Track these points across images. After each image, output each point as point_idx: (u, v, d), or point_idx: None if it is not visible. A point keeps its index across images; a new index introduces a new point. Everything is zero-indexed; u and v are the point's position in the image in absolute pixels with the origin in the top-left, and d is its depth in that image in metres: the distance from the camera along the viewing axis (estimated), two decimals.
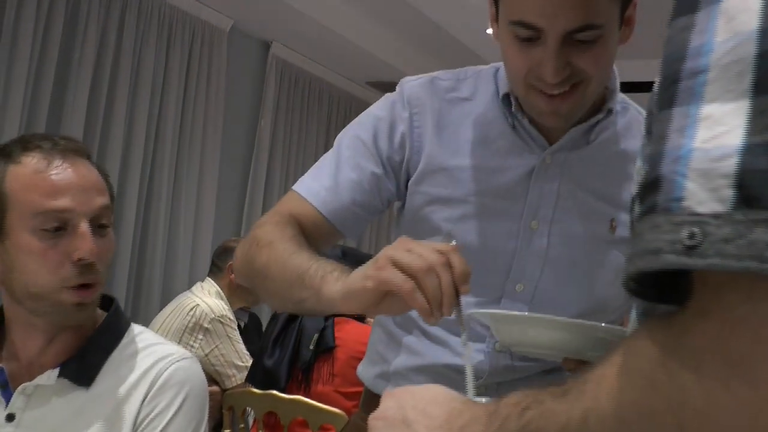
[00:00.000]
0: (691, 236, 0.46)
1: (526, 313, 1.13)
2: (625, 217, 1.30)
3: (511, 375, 1.32)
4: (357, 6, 5.01)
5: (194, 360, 1.40)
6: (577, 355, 1.08)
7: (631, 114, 1.36)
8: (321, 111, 5.73)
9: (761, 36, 0.46)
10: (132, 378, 1.33)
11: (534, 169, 1.30)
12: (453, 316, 0.98)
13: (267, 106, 5.24)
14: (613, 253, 1.31)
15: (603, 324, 1.10)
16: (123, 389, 1.32)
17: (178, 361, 1.36)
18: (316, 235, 1.31)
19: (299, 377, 2.74)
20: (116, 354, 1.35)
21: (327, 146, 5.48)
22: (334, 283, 1.05)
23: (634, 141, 1.32)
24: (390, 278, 0.96)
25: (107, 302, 1.42)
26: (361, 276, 1.01)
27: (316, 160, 1.43)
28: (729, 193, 0.45)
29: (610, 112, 1.31)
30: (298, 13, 4.77)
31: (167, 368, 1.34)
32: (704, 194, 0.46)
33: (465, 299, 1.29)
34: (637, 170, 0.67)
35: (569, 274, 1.31)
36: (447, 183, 1.32)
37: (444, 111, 1.34)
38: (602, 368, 0.56)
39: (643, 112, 1.39)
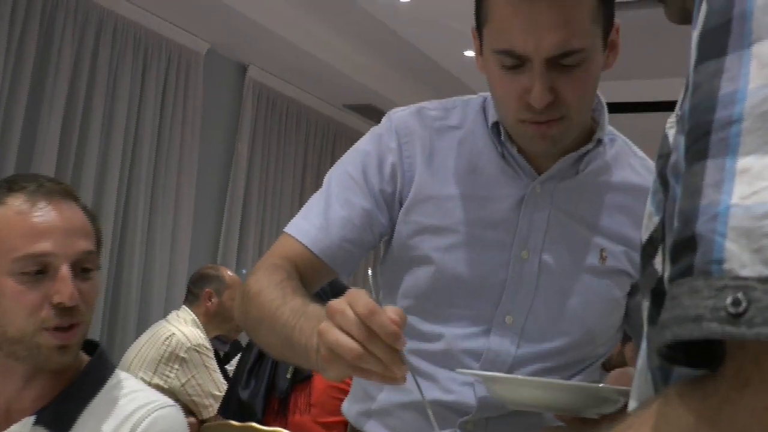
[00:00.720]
0: (736, 303, 0.42)
1: (520, 377, 1.10)
2: (614, 248, 1.30)
3: (501, 410, 1.29)
4: (334, 29, 5.01)
5: (176, 408, 1.35)
6: (573, 413, 1.04)
7: (618, 145, 1.36)
8: (299, 134, 5.70)
9: None
10: (110, 426, 1.27)
11: (524, 199, 1.29)
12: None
13: (244, 129, 5.21)
14: (604, 284, 1.30)
15: (601, 384, 1.07)
16: None
17: (159, 409, 1.31)
18: (310, 274, 1.29)
19: (276, 407, 2.69)
20: (96, 401, 1.30)
21: (305, 169, 5.52)
22: (315, 355, 1.01)
23: (623, 172, 1.33)
24: (339, 375, 0.95)
25: (91, 347, 1.37)
26: (320, 364, 0.98)
27: (293, 184, 1.41)
28: None
29: (599, 142, 1.31)
30: (275, 36, 4.75)
31: (147, 416, 1.28)
32: (747, 256, 0.42)
33: (454, 331, 1.29)
34: (648, 215, 0.63)
35: (560, 305, 1.29)
36: (436, 212, 1.31)
37: (433, 140, 1.33)
38: None
39: (630, 144, 1.40)
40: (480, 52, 1.26)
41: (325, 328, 0.93)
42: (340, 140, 5.95)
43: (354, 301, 0.92)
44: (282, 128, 5.55)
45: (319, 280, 1.33)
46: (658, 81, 4.78)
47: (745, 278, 0.42)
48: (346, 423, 1.49)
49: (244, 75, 5.25)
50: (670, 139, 0.57)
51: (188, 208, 4.74)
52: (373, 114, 5.59)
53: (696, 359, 0.48)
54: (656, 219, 0.61)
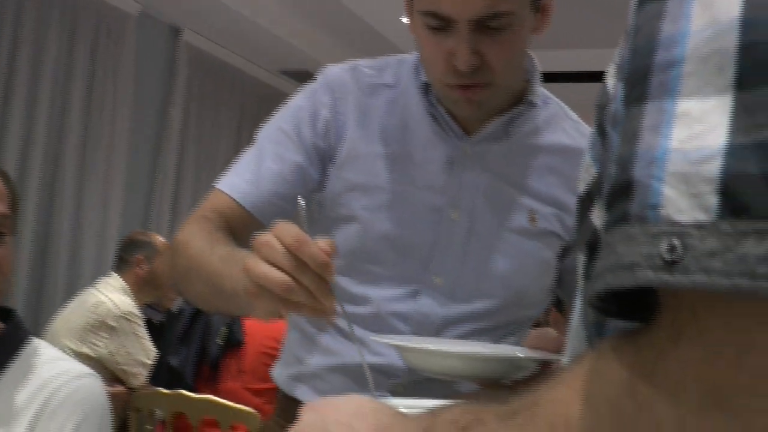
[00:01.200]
0: (671, 249, 0.40)
1: (432, 347, 1.06)
2: (545, 210, 1.30)
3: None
4: None
5: (95, 378, 1.32)
6: (487, 381, 1.02)
7: (551, 108, 1.36)
8: (233, 100, 5.61)
9: (744, 26, 0.41)
10: (25, 396, 1.24)
11: (453, 160, 1.29)
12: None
13: (177, 94, 5.10)
14: (534, 246, 1.31)
15: (513, 350, 1.05)
16: (15, 408, 1.23)
17: (77, 378, 1.28)
18: (240, 228, 1.27)
19: (206, 374, 2.66)
20: (11, 369, 1.27)
21: (240, 136, 5.43)
22: (245, 296, 1.01)
23: (555, 135, 1.33)
24: (266, 307, 0.94)
25: (5, 314, 1.33)
26: (248, 302, 0.97)
27: (228, 150, 1.39)
28: (713, 200, 0.40)
29: (531, 104, 1.31)
30: None
31: (64, 386, 1.25)
32: (685, 201, 0.41)
33: (382, 293, 1.29)
34: (585, 168, 0.60)
35: (488, 266, 1.29)
36: (366, 170, 1.30)
37: (366, 97, 1.33)
38: (556, 389, 0.50)
39: (565, 107, 1.40)
40: (410, 11, 1.24)
41: (252, 263, 0.92)
42: (275, 106, 5.82)
43: (281, 232, 0.91)
44: (217, 93, 5.45)
45: (249, 235, 1.30)
46: (595, 51, 4.82)
47: (682, 224, 0.40)
48: (276, 389, 1.47)
49: (177, 39, 5.13)
50: (609, 88, 0.55)
51: (120, 173, 4.64)
52: (309, 79, 5.50)
53: (630, 312, 0.47)
54: (594, 171, 0.59)
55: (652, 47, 0.45)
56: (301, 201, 1.01)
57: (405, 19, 1.27)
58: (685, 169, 0.41)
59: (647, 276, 0.41)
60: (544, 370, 0.97)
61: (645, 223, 0.42)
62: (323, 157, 1.32)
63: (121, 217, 4.64)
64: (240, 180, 1.30)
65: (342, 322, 1.30)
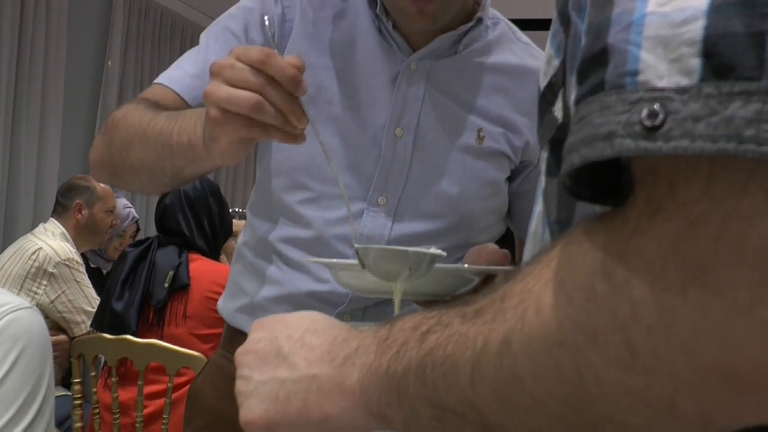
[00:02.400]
0: (652, 115, 0.38)
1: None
2: (492, 129, 1.27)
3: (376, 299, 1.26)
4: None
5: (33, 310, 1.27)
6: (424, 297, 0.95)
7: (501, 28, 1.33)
8: (174, 46, 5.45)
9: None
10: None
11: (398, 75, 1.25)
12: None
13: (114, 42, 4.93)
14: (481, 165, 1.27)
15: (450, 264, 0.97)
16: None
17: (13, 311, 1.23)
18: None
19: (150, 319, 2.60)
20: None
21: None
22: (203, 144, 0.98)
23: (504, 55, 1.30)
24: (234, 133, 0.90)
25: None
26: (212, 137, 0.93)
27: None
28: (695, 62, 0.37)
29: (480, 21, 1.28)
30: None
31: (0, 320, 1.20)
32: (664, 66, 0.38)
33: (325, 216, 1.24)
34: (547, 59, 0.57)
35: (434, 185, 1.26)
36: (312, 81, 1.24)
37: (315, 9, 1.28)
38: (524, 281, 0.47)
39: (515, 28, 1.37)
40: None
41: (213, 87, 0.87)
42: None
43: (244, 51, 0.86)
44: (156, 40, 5.29)
45: None
46: None
47: (662, 89, 0.38)
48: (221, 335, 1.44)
49: None
50: None
51: (56, 125, 4.47)
52: None
53: (604, 195, 0.44)
54: (556, 62, 0.56)
55: None
56: (266, 18, 0.98)
57: None
58: (665, 32, 0.39)
59: (626, 144, 0.38)
60: (487, 283, 0.91)
61: (623, 91, 0.39)
62: None
63: (59, 165, 4.50)
64: (182, 74, 1.23)
65: (286, 247, 1.27)
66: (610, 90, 0.40)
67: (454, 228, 1.27)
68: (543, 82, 0.58)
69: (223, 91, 0.86)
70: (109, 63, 4.88)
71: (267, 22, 0.97)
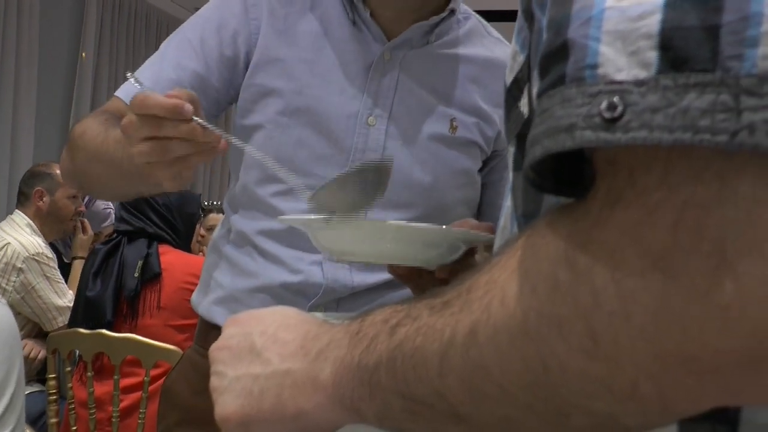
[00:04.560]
0: (611, 107, 0.39)
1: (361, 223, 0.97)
2: (465, 119, 1.29)
3: (351, 289, 1.26)
4: None
5: (1, 305, 1.25)
6: (406, 262, 0.94)
7: (472, 23, 1.35)
8: (149, 38, 5.41)
9: None
10: None
11: (372, 64, 1.27)
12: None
13: (88, 34, 4.87)
14: (454, 155, 1.29)
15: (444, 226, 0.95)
16: None
17: None
18: None
19: (125, 310, 2.59)
20: None
21: None
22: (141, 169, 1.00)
23: (475, 48, 1.33)
24: (166, 176, 0.94)
25: None
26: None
27: None
28: (653, 55, 0.39)
29: (452, 13, 1.29)
30: None
31: None
32: (623, 59, 0.39)
33: (297, 205, 1.23)
34: (513, 55, 0.59)
35: (408, 174, 1.26)
36: (281, 74, 1.26)
37: (282, 4, 1.30)
38: (490, 273, 0.48)
39: (485, 23, 1.39)
40: None
41: (128, 150, 0.94)
42: None
43: (133, 105, 0.90)
44: (130, 33, 5.24)
45: None
46: None
47: (621, 82, 0.39)
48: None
49: None
50: None
51: (29, 114, 4.43)
52: None
53: (565, 188, 0.45)
54: (521, 58, 0.57)
55: None
56: (130, 77, 1.02)
57: None
58: (623, 26, 0.40)
59: (586, 136, 0.39)
60: (468, 259, 0.93)
61: (583, 84, 0.40)
62: (231, 68, 1.28)
63: (32, 160, 4.43)
64: (136, 88, 1.24)
65: (262, 240, 1.27)
66: (571, 83, 0.41)
67: (426, 218, 1.26)
68: (509, 78, 0.59)
69: (134, 149, 0.92)
70: (83, 55, 4.82)
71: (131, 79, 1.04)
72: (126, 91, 1.27)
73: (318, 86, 1.26)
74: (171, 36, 1.32)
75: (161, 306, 2.59)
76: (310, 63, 1.26)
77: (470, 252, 0.92)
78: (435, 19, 1.27)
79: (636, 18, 0.39)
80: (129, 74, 1.01)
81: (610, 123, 0.39)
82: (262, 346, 0.64)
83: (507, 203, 0.62)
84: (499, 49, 1.34)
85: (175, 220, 2.76)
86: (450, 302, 0.50)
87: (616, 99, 0.39)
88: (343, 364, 0.57)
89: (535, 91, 0.46)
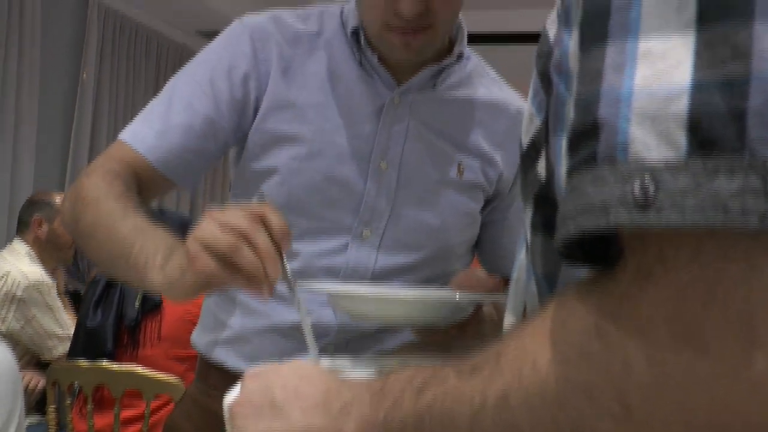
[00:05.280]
0: (644, 189, 0.40)
1: (367, 291, 1.04)
2: (471, 162, 1.30)
3: (361, 331, 1.26)
4: None
5: (1, 345, 1.23)
6: (429, 325, 1.00)
7: (473, 63, 1.36)
8: (149, 61, 5.42)
9: None
10: None
11: (382, 109, 1.26)
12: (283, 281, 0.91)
13: (89, 55, 4.88)
14: (462, 198, 1.30)
15: (456, 294, 1.02)
16: None
17: None
18: (148, 183, 1.21)
19: (125, 340, 2.56)
20: None
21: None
22: (158, 272, 0.98)
23: (477, 89, 1.33)
24: (204, 269, 0.89)
25: None
26: (179, 268, 0.94)
27: None
28: (681, 136, 0.40)
29: (460, 56, 1.30)
30: None
31: None
32: (653, 139, 0.41)
33: (311, 249, 1.24)
34: (528, 118, 0.60)
35: (418, 218, 1.27)
36: (292, 120, 1.24)
37: (289, 46, 1.27)
38: (520, 340, 0.50)
39: (484, 63, 1.40)
40: None
41: (203, 225, 0.90)
42: None
43: (240, 209, 0.90)
44: (131, 55, 5.25)
45: (155, 192, 1.26)
46: (517, 12, 4.81)
47: (652, 163, 0.40)
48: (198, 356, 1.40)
49: None
50: (551, 36, 0.56)
51: (29, 141, 4.41)
52: None
53: (592, 259, 0.47)
54: (538, 121, 0.58)
55: None
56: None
57: None
58: (652, 107, 0.41)
59: (621, 217, 0.41)
60: (477, 313, 0.97)
61: (614, 164, 0.42)
62: (240, 111, 1.25)
63: (33, 183, 4.43)
64: (146, 131, 1.22)
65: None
66: (602, 163, 0.42)
67: (432, 258, 1.28)
68: (525, 139, 0.60)
69: (209, 230, 0.88)
70: (84, 75, 4.83)
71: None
72: (136, 135, 1.23)
73: (330, 131, 1.24)
74: (178, 74, 1.29)
75: (162, 336, 2.57)
76: (321, 107, 1.25)
77: (478, 306, 0.97)
78: (443, 63, 1.27)
79: (664, 99, 0.40)
80: (260, 192, 1.03)
81: (643, 205, 0.40)
82: (283, 401, 0.65)
83: (521, 256, 0.64)
84: (497, 88, 1.35)
85: None
86: (479, 367, 0.51)
87: (647, 180, 0.40)
88: (367, 421, 0.58)
89: (563, 167, 0.48)
